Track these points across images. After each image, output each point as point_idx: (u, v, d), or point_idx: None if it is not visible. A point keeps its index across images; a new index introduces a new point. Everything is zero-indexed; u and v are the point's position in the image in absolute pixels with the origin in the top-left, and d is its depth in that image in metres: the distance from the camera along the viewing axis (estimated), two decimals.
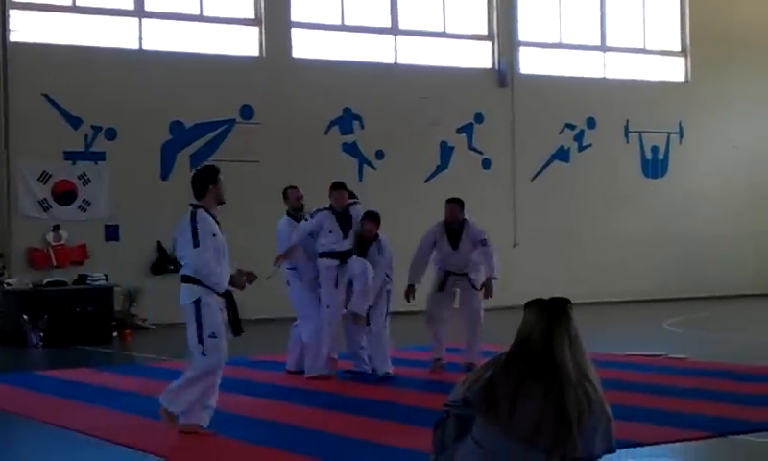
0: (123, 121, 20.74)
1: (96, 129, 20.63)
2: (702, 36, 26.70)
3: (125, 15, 21.28)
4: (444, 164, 23.71)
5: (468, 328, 12.86)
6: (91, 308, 18.02)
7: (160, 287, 20.61)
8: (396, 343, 12.48)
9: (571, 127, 25.22)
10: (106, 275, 18.86)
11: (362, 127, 23.00)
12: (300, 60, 22.62)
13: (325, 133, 22.65)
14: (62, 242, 20.18)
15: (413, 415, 9.10)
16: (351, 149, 22.76)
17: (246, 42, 22.31)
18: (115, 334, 18.30)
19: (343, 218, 12.08)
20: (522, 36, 24.97)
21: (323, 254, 11.99)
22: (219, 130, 21.70)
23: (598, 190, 25.28)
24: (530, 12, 25.11)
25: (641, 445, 7.81)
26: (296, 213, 12.52)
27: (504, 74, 24.37)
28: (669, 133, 26.43)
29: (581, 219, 24.96)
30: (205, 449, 8.23)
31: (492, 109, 24.26)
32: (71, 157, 20.49)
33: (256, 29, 22.35)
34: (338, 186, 12.23)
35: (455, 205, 12.84)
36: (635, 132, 26.03)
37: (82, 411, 10.23)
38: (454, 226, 12.77)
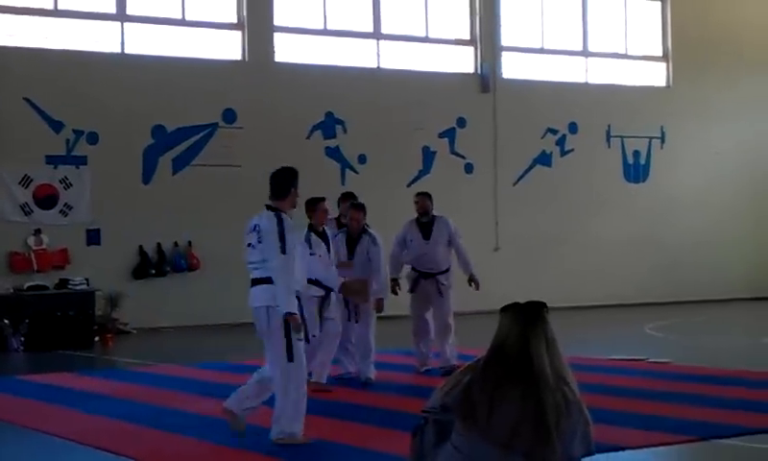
0: (105, 125, 20.68)
1: (78, 133, 20.56)
2: (683, 42, 26.80)
3: (107, 19, 21.22)
4: (426, 169, 23.72)
5: (439, 334, 12.99)
6: (72, 313, 17.94)
7: (142, 292, 20.59)
8: (377, 346, 12.44)
9: (553, 131, 25.27)
10: (87, 279, 18.78)
11: (345, 131, 22.99)
12: (282, 64, 22.61)
13: (308, 137, 22.63)
14: (44, 246, 20.11)
15: (394, 419, 9.09)
16: (334, 153, 22.76)
17: (228, 46, 22.28)
18: (96, 339, 18.22)
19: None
20: (505, 41, 25.01)
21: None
22: (201, 134, 21.66)
23: (580, 195, 25.33)
24: (512, 18, 25.15)
25: (623, 449, 7.83)
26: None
27: (486, 79, 24.41)
28: (651, 137, 26.52)
29: (563, 223, 25.00)
30: (185, 454, 8.20)
31: (474, 114, 24.29)
32: (53, 161, 20.41)
33: (239, 33, 22.32)
34: (347, 198, 12.13)
35: (425, 196, 13.29)
36: (616, 136, 26.10)
37: (63, 416, 10.19)
38: (425, 218, 13.13)
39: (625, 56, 26.65)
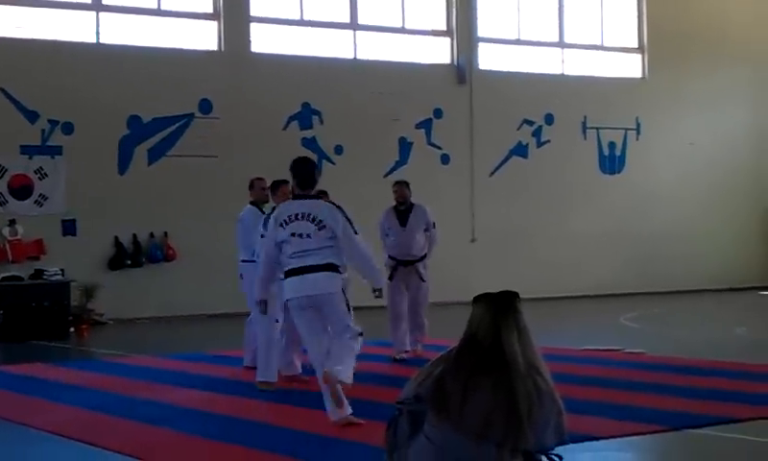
0: (80, 115, 20.59)
1: (53, 123, 20.48)
2: (659, 34, 26.89)
3: (82, 9, 21.13)
4: (402, 160, 23.73)
5: (413, 322, 13.34)
6: (48, 303, 17.87)
7: (118, 282, 20.53)
8: None
9: (530, 123, 25.32)
10: (62, 270, 18.70)
11: (321, 122, 22.98)
12: (258, 54, 22.57)
13: (284, 128, 22.60)
14: (18, 237, 20.02)
15: (370, 409, 9.10)
16: (310, 144, 22.72)
17: (204, 37, 22.22)
18: (72, 329, 18.15)
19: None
20: (481, 33, 25.04)
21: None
22: (177, 124, 21.60)
23: (556, 186, 25.40)
24: (489, 9, 25.18)
25: (597, 439, 7.86)
26: (260, 205, 12.35)
27: (463, 70, 24.44)
28: (626, 129, 26.61)
29: (539, 214, 25.08)
30: (160, 444, 8.20)
31: (450, 105, 24.31)
32: (27, 151, 20.32)
33: (215, 23, 22.27)
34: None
35: (402, 185, 13.62)
36: (592, 128, 26.19)
37: (37, 406, 10.16)
38: (403, 207, 13.40)
39: (601, 47, 26.73)
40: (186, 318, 20.55)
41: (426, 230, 13.45)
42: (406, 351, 13.23)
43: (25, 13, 20.64)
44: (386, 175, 22.63)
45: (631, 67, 27.04)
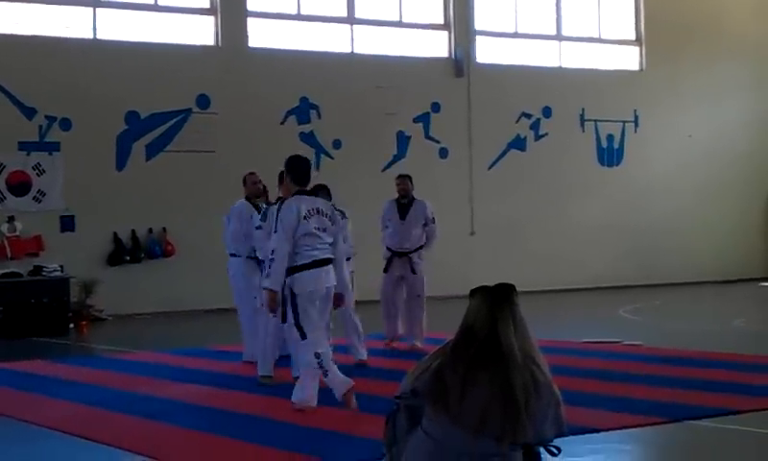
0: (78, 111, 20.58)
1: (51, 119, 20.46)
2: (656, 26, 26.88)
3: (79, 5, 21.10)
4: (400, 153, 23.73)
5: (410, 314, 13.65)
6: (47, 300, 17.88)
7: (117, 278, 20.53)
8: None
9: (528, 116, 25.32)
10: (61, 266, 18.70)
11: (319, 116, 22.97)
12: (256, 49, 22.55)
13: (282, 122, 22.60)
14: (17, 233, 20.01)
15: (371, 404, 9.11)
16: (308, 138, 22.72)
17: (201, 32, 22.20)
18: (71, 326, 18.17)
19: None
20: (478, 26, 25.02)
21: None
22: (175, 120, 21.59)
23: (554, 179, 25.40)
24: (486, 2, 25.15)
25: (597, 431, 7.87)
26: (253, 200, 12.41)
27: (460, 63, 24.43)
28: (624, 121, 26.61)
29: (537, 207, 25.08)
30: (161, 439, 8.21)
31: (448, 99, 24.31)
32: (25, 147, 20.30)
33: (212, 18, 22.25)
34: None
35: (405, 179, 13.93)
36: (590, 120, 26.18)
37: (37, 403, 10.17)
38: (404, 200, 13.74)
39: (598, 40, 26.72)
40: (185, 313, 20.55)
41: (425, 224, 13.72)
42: (399, 340, 13.67)
43: (22, 9, 20.62)
44: (384, 169, 22.64)
45: (629, 60, 27.03)
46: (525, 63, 25.54)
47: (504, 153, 25.06)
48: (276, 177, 10.77)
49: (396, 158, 23.53)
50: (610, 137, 26.44)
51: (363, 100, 23.15)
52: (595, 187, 26.04)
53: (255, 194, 12.41)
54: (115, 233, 20.91)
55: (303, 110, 22.84)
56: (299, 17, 23.15)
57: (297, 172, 9.31)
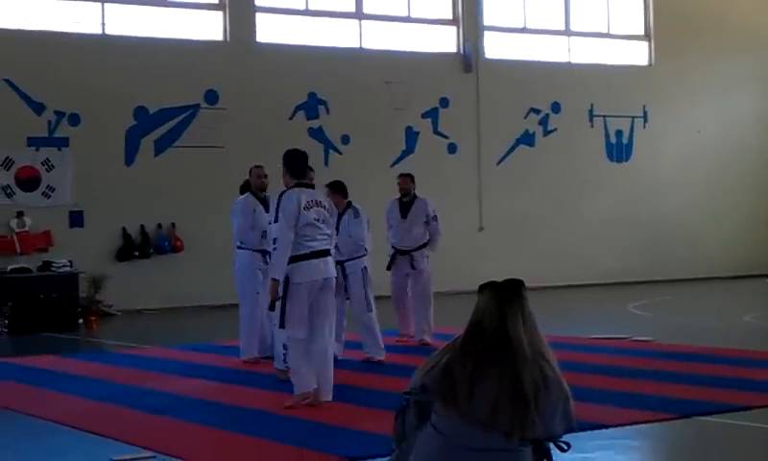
0: (86, 107, 20.60)
1: (59, 114, 20.48)
2: (665, 21, 26.83)
3: (88, 0, 21.11)
4: (409, 149, 23.72)
5: (416, 309, 13.82)
6: (56, 295, 17.91)
7: (125, 274, 20.55)
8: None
9: (536, 111, 25.29)
10: (70, 261, 18.73)
11: (327, 112, 22.96)
12: (264, 44, 22.55)
13: (291, 118, 22.59)
14: (26, 229, 20.04)
15: (381, 399, 9.10)
16: (317, 134, 22.72)
17: (210, 27, 22.21)
18: (80, 321, 18.20)
19: None
20: (487, 21, 24.99)
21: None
22: (183, 115, 21.60)
23: (563, 174, 25.37)
24: None
25: (606, 427, 7.86)
26: (258, 192, 12.37)
27: (469, 58, 24.40)
28: (633, 117, 26.57)
29: (546, 203, 25.05)
30: (168, 434, 8.21)
31: (457, 94, 24.28)
32: (34, 143, 20.34)
33: (220, 13, 22.25)
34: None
35: (407, 177, 14.11)
36: (599, 116, 26.14)
37: (46, 398, 10.18)
38: (406, 198, 13.89)
39: (607, 35, 26.67)
40: (194, 308, 20.58)
41: (426, 222, 13.80)
42: (411, 336, 13.80)
43: (31, 5, 20.64)
44: (393, 164, 22.62)
45: (637, 55, 26.97)
46: (534, 59, 25.50)
47: (513, 148, 25.03)
48: None
49: (405, 154, 23.52)
50: (619, 133, 26.40)
51: (371, 95, 23.13)
52: (604, 183, 26.00)
53: (260, 187, 12.38)
54: (124, 229, 20.93)
55: (312, 106, 22.84)
56: (307, 12, 23.14)
57: (294, 165, 9.37)
